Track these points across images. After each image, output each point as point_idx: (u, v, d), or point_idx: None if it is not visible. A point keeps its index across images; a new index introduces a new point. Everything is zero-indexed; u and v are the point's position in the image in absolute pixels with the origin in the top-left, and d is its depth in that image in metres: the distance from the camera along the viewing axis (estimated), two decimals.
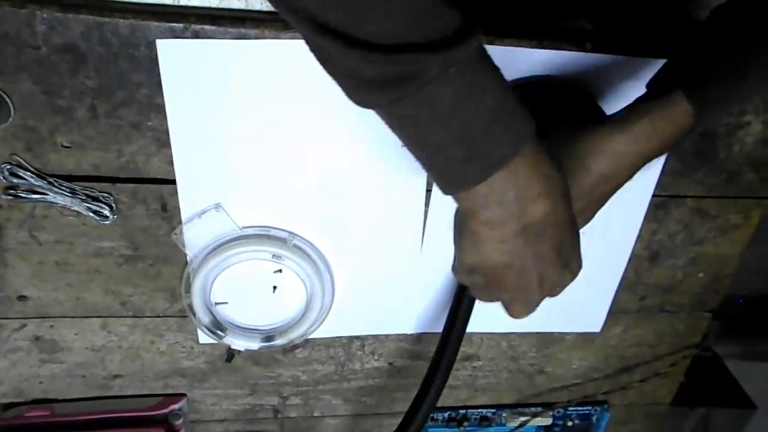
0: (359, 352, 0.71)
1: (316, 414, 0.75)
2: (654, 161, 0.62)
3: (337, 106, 0.54)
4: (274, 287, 0.63)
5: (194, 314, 0.62)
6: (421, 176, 0.59)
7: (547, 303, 0.70)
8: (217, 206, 0.57)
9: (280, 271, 0.61)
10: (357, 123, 0.55)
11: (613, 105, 0.57)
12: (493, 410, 0.79)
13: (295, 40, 0.50)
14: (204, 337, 0.65)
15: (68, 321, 0.62)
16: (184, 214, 0.57)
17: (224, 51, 0.49)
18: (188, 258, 0.60)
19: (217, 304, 0.63)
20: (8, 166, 0.52)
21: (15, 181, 0.53)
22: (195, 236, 0.58)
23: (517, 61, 0.54)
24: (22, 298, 0.60)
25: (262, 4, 0.50)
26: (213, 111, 0.52)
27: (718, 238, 0.68)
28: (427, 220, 0.62)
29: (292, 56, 0.50)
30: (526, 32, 0.54)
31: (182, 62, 0.49)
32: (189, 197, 0.56)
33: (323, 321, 0.65)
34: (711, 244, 0.69)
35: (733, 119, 0.60)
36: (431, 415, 0.76)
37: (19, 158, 0.52)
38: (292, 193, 0.58)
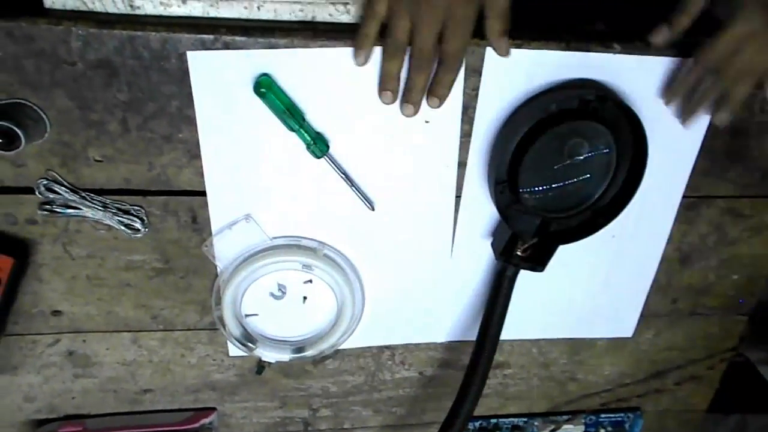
0: (389, 362, 0.70)
1: (346, 426, 0.75)
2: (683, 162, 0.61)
3: (366, 115, 0.54)
4: (305, 298, 0.62)
5: (225, 326, 0.62)
6: (450, 184, 0.59)
7: (577, 308, 0.70)
8: (248, 217, 0.57)
9: (311, 281, 0.61)
10: (386, 133, 0.55)
11: (642, 105, 0.56)
12: (525, 419, 0.78)
13: (324, 49, 0.50)
14: (234, 350, 0.65)
15: (100, 336, 0.63)
16: (215, 226, 0.57)
17: (254, 61, 0.50)
18: (218, 270, 0.60)
19: (247, 316, 0.63)
20: (44, 182, 0.53)
21: (51, 196, 0.53)
22: (225, 247, 0.59)
23: (545, 64, 0.54)
24: (55, 313, 0.60)
25: (291, 14, 0.51)
26: (243, 121, 0.53)
27: (752, 238, 0.67)
28: (457, 228, 0.61)
29: (322, 64, 0.51)
30: (553, 36, 0.54)
31: (212, 73, 0.50)
32: (219, 208, 0.57)
33: (353, 331, 0.65)
34: (745, 244, 0.68)
35: (765, 117, 0.59)
36: None
37: (54, 173, 0.53)
38: (321, 202, 0.58)
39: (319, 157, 0.54)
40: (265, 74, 0.50)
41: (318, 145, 0.53)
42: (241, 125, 0.53)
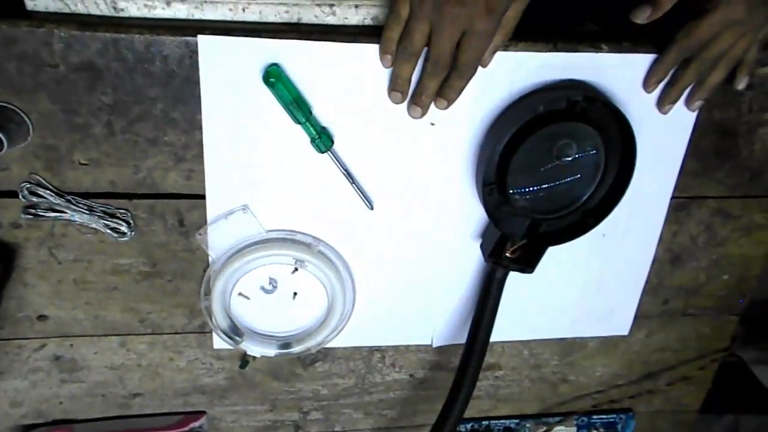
0: (380, 365, 0.70)
1: (337, 429, 0.74)
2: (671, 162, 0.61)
3: (372, 114, 0.54)
4: (295, 293, 0.62)
5: (212, 317, 0.61)
6: (451, 187, 0.58)
7: (570, 308, 0.69)
8: (245, 207, 0.57)
9: (298, 271, 0.60)
10: (391, 133, 0.55)
11: (630, 106, 0.56)
12: (517, 421, 0.78)
13: (335, 44, 0.50)
14: (219, 342, 0.64)
15: (87, 340, 0.62)
16: (211, 214, 0.57)
17: (265, 50, 0.49)
18: (210, 259, 0.59)
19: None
20: (28, 185, 0.52)
21: (34, 199, 0.53)
22: (219, 237, 0.58)
23: (532, 64, 0.53)
24: (41, 317, 0.60)
25: (276, 16, 0.50)
26: (248, 110, 0.52)
27: (742, 238, 0.67)
28: (450, 230, 0.61)
29: (332, 59, 0.51)
30: (540, 36, 0.53)
31: (221, 59, 0.49)
32: (217, 197, 0.56)
33: (341, 330, 0.64)
34: (735, 245, 0.68)
35: (753, 117, 0.59)
36: None
37: (38, 177, 0.52)
38: (320, 198, 0.57)
39: (323, 152, 0.54)
40: (274, 64, 0.50)
41: (323, 139, 0.53)
42: (245, 114, 0.52)
